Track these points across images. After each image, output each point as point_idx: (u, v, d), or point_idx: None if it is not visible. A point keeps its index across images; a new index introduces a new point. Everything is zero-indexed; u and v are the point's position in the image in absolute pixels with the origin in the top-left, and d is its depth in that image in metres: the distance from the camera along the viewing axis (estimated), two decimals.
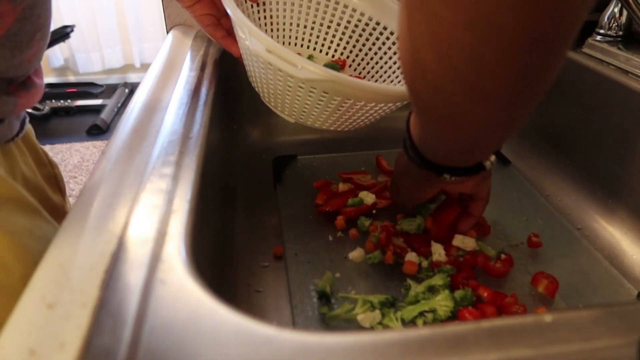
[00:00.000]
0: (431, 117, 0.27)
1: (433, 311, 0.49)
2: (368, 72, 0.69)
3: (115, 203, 0.38)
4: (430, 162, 0.42)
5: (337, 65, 0.71)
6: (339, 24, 0.69)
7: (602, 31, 0.69)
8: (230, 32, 0.61)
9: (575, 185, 0.68)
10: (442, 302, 0.49)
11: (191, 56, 0.69)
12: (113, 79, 2.97)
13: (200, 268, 0.33)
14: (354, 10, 0.68)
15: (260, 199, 0.69)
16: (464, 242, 0.57)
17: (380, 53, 0.67)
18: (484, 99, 0.19)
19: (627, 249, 0.59)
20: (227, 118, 0.73)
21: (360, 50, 0.70)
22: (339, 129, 0.59)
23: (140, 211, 0.37)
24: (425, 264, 0.55)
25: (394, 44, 0.65)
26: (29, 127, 0.54)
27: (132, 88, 2.76)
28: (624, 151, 0.61)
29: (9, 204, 0.41)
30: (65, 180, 0.57)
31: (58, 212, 0.53)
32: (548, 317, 0.28)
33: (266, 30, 0.67)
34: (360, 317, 0.48)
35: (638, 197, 0.60)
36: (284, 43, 0.69)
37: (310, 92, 0.51)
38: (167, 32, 0.80)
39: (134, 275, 0.31)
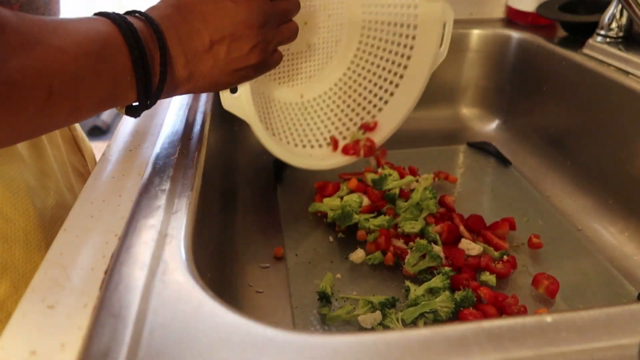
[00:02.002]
0: None
1: (434, 312, 0.49)
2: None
3: (115, 204, 0.38)
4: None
5: None
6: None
7: (602, 32, 0.69)
8: None
9: (575, 186, 0.68)
10: (443, 303, 0.49)
11: None
12: None
13: (201, 269, 0.33)
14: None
15: (260, 200, 0.69)
16: (470, 246, 0.57)
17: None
18: None
19: (627, 249, 0.59)
20: (228, 119, 0.73)
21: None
22: None
23: (141, 212, 0.37)
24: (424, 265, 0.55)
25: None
26: None
27: None
28: (624, 151, 0.61)
29: (13, 164, 0.44)
30: None
31: (78, 171, 0.56)
32: (549, 318, 0.28)
33: None
34: (361, 318, 0.48)
35: (638, 198, 0.59)
36: None
37: None
38: None
39: (134, 276, 0.31)
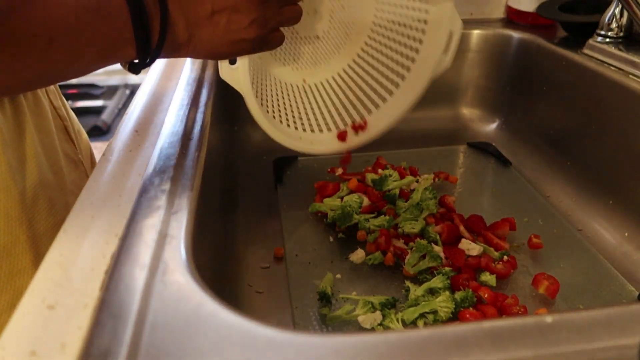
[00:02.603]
0: None
1: (434, 312, 0.49)
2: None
3: (115, 204, 0.38)
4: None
5: None
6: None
7: (602, 32, 0.69)
8: None
9: (575, 186, 0.68)
10: (443, 304, 0.49)
11: None
12: (114, 80, 2.97)
13: (201, 269, 0.33)
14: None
15: (261, 200, 0.69)
16: (470, 246, 0.57)
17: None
18: None
19: (628, 249, 0.59)
20: (228, 119, 0.73)
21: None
22: None
23: (141, 212, 0.37)
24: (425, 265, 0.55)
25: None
26: None
27: (133, 89, 2.76)
28: (624, 152, 0.61)
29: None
30: None
31: (69, 157, 0.58)
32: (549, 318, 0.28)
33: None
34: (360, 318, 0.48)
35: (639, 198, 0.59)
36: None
37: None
38: None
39: (134, 276, 0.31)
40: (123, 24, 0.38)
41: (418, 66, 0.63)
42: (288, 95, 0.65)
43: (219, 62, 0.50)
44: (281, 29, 0.49)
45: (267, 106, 0.59)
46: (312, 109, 0.65)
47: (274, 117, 0.60)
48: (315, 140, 0.62)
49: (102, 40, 0.38)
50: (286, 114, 0.62)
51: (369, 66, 0.67)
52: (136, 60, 0.42)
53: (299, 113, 0.64)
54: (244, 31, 0.44)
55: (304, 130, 0.62)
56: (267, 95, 0.60)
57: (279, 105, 0.62)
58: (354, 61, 0.68)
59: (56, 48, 0.36)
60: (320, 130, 0.64)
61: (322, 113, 0.65)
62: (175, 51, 0.43)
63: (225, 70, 0.50)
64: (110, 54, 0.40)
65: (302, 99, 0.66)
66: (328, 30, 0.66)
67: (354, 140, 0.63)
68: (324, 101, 0.66)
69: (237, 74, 0.51)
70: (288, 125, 0.61)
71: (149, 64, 0.43)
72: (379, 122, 0.64)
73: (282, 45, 0.64)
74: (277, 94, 0.63)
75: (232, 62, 0.50)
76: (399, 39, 0.65)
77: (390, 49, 0.66)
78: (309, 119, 0.64)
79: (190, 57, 0.46)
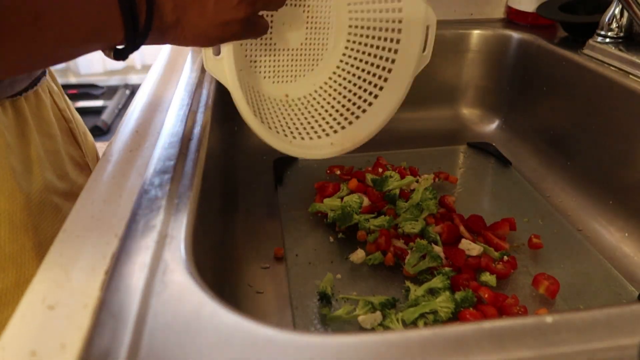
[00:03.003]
0: None
1: (434, 312, 0.49)
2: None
3: (116, 204, 0.38)
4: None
5: None
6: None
7: (602, 32, 0.69)
8: None
9: (576, 186, 0.68)
10: (443, 304, 0.49)
11: (192, 57, 0.69)
12: (114, 81, 2.97)
13: (201, 269, 0.33)
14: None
15: (261, 201, 0.69)
16: (470, 246, 0.57)
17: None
18: None
19: (628, 250, 0.59)
20: (228, 119, 0.73)
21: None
22: None
23: (141, 212, 0.37)
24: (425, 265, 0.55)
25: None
26: (47, 80, 0.56)
27: (133, 89, 2.76)
28: (624, 152, 0.61)
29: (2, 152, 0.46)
30: None
31: (75, 161, 0.58)
32: (549, 319, 0.28)
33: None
34: (361, 319, 0.48)
35: (638, 198, 0.59)
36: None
37: None
38: None
39: (135, 277, 0.31)
40: (110, 3, 0.37)
41: (398, 66, 0.64)
42: (272, 107, 0.65)
43: (203, 52, 0.48)
44: (261, 37, 0.48)
45: (256, 112, 0.59)
46: (298, 119, 0.65)
47: (262, 121, 0.59)
48: (304, 145, 0.62)
49: (89, 20, 0.37)
50: (273, 122, 0.62)
51: (350, 75, 0.68)
52: (123, 46, 0.40)
53: (287, 123, 0.63)
54: (233, 10, 0.43)
55: (294, 137, 0.62)
56: (254, 103, 0.60)
57: (264, 114, 0.62)
58: (334, 72, 0.68)
59: (42, 26, 0.34)
60: (310, 138, 0.63)
61: (309, 123, 0.65)
62: (163, 35, 0.42)
63: (210, 61, 0.49)
64: (97, 36, 0.38)
65: (287, 111, 0.65)
66: (305, 41, 0.66)
67: (346, 144, 0.63)
68: (309, 112, 0.66)
69: (222, 65, 0.49)
70: (277, 132, 0.61)
71: (135, 49, 0.41)
72: (368, 125, 0.64)
73: (262, 58, 0.64)
74: (261, 104, 0.63)
75: (216, 53, 0.48)
76: (377, 43, 0.65)
77: (369, 55, 0.66)
78: (297, 128, 0.64)
79: (178, 43, 0.43)
